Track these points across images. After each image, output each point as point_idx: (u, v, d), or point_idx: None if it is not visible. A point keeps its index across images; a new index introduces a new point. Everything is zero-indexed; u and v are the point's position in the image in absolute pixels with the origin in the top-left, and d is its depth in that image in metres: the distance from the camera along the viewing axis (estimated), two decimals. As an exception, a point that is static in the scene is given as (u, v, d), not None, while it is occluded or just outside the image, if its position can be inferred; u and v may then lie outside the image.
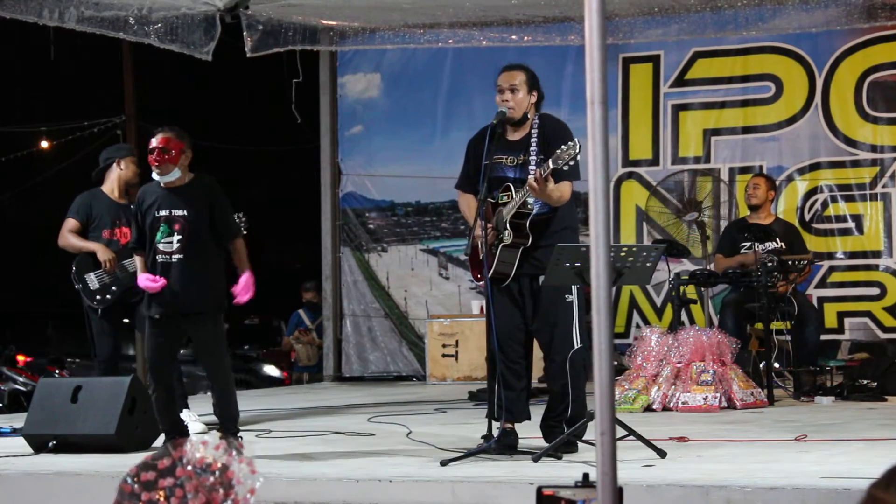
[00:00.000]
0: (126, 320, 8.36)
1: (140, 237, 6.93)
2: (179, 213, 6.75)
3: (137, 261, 6.99)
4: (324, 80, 12.92)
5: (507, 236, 6.23)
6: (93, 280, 8.24)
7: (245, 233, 8.25)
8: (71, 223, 8.37)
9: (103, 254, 8.20)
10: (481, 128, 6.50)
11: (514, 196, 6.23)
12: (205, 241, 6.78)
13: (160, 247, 6.75)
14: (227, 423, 6.85)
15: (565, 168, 6.01)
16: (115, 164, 8.46)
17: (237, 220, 7.35)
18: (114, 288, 8.19)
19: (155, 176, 6.83)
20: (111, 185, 8.45)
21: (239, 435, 6.75)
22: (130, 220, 8.29)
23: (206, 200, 6.82)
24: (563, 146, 6.01)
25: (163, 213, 6.77)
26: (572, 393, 6.24)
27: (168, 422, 6.80)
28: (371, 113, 12.85)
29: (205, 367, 6.93)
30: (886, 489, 2.22)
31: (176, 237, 6.73)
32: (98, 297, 8.21)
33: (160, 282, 6.71)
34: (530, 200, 6.20)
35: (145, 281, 6.77)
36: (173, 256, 6.73)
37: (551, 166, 6.00)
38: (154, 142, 6.79)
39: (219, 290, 6.85)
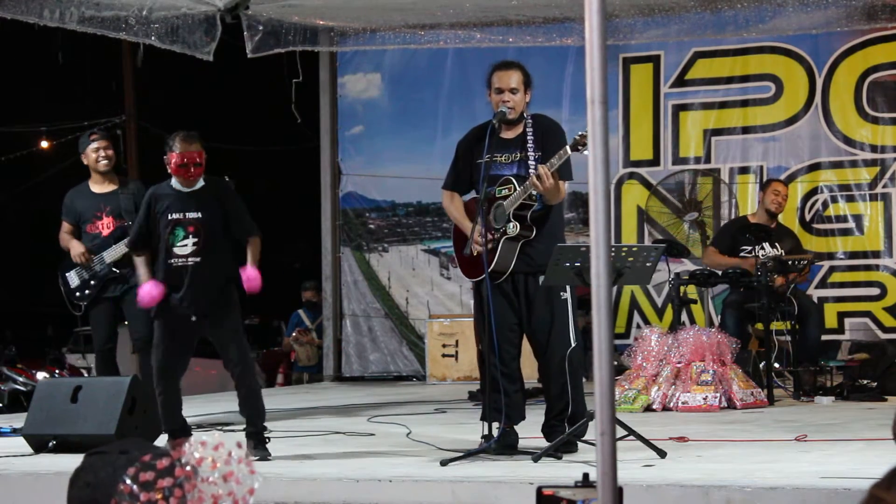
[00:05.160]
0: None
1: (140, 238, 6.76)
2: (193, 215, 6.62)
3: (139, 263, 6.74)
4: (324, 80, 12.93)
5: (513, 228, 6.21)
6: (73, 278, 8.28)
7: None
8: (63, 225, 8.41)
9: (74, 250, 8.21)
10: (471, 129, 6.51)
11: (516, 189, 6.23)
12: (220, 242, 6.68)
13: (176, 251, 6.61)
14: (258, 421, 6.65)
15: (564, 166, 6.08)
16: (83, 157, 8.42)
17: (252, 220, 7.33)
18: (92, 282, 8.22)
19: (178, 184, 6.68)
20: (92, 175, 8.43)
21: (267, 434, 6.68)
22: (115, 210, 8.29)
23: (219, 202, 6.73)
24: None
25: (176, 215, 6.63)
26: (572, 392, 6.23)
27: (172, 423, 6.74)
28: (371, 113, 12.85)
29: (229, 365, 6.70)
30: (888, 489, 2.22)
31: (191, 240, 6.60)
32: (77, 293, 8.25)
33: (157, 294, 6.58)
34: (534, 193, 6.20)
35: (146, 294, 6.59)
36: (189, 259, 6.60)
37: (556, 163, 6.02)
38: (187, 155, 6.58)
39: (234, 290, 6.77)
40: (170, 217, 6.64)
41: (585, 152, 6.00)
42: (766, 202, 9.97)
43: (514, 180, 6.26)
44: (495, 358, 6.12)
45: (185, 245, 6.62)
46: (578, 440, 6.22)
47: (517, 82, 6.31)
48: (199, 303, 6.61)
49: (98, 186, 8.37)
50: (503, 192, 6.28)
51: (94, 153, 8.34)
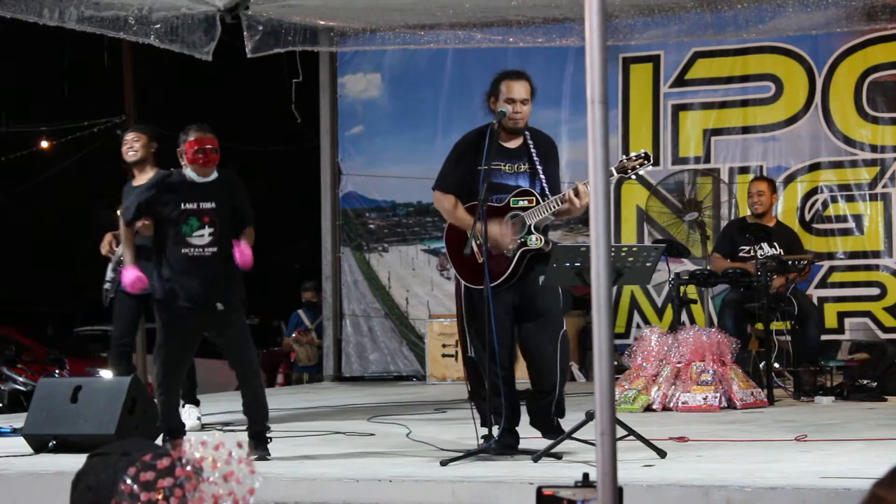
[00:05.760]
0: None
1: (137, 213, 6.70)
2: (208, 205, 6.57)
3: (128, 245, 6.75)
4: (324, 80, 12.92)
5: (536, 241, 6.18)
6: (108, 270, 8.33)
7: None
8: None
9: (102, 241, 8.31)
10: (469, 132, 6.42)
11: (539, 202, 6.17)
12: (231, 232, 6.66)
13: (192, 241, 6.54)
14: (262, 420, 6.62)
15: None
16: None
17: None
18: (112, 275, 8.27)
19: (193, 174, 6.61)
20: None
21: (269, 434, 6.66)
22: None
23: (230, 192, 6.69)
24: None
25: (190, 205, 6.57)
26: (560, 364, 6.22)
27: (171, 422, 6.72)
28: (372, 113, 12.85)
29: (235, 364, 6.69)
30: (890, 488, 2.22)
31: (207, 230, 6.54)
32: (105, 286, 8.31)
33: (143, 283, 6.66)
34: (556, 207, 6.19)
35: (136, 280, 6.66)
36: (206, 250, 6.54)
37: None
38: (204, 140, 6.56)
39: (242, 282, 6.76)
40: (183, 207, 6.57)
41: (638, 173, 6.17)
42: (748, 205, 10.15)
43: (535, 194, 6.21)
44: (496, 365, 6.10)
45: (202, 235, 6.56)
46: (561, 417, 6.28)
47: (528, 93, 6.27)
48: (216, 293, 6.56)
49: (137, 180, 8.35)
50: (520, 202, 6.21)
51: (123, 146, 8.40)
